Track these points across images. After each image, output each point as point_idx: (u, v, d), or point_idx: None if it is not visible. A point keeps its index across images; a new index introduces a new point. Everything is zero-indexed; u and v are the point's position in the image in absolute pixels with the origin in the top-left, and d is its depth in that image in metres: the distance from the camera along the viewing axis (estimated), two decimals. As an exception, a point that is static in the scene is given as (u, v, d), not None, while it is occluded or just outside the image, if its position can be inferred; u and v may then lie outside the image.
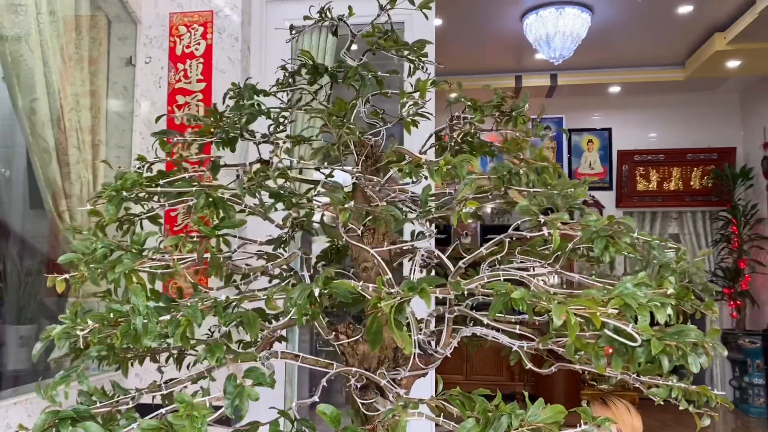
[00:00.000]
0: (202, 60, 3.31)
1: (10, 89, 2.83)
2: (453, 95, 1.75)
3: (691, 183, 8.20)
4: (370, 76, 1.67)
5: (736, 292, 7.66)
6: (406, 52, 1.78)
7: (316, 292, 1.16)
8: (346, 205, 1.44)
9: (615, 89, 8.15)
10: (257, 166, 1.64)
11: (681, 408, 1.32)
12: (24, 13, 2.79)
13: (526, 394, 1.27)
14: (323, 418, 1.14)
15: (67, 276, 1.37)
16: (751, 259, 7.63)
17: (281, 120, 1.75)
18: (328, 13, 1.80)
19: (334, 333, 1.53)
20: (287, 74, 1.86)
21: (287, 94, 1.91)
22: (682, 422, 6.71)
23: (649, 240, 1.25)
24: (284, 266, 1.69)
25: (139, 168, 1.61)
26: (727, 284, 7.76)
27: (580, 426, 1.08)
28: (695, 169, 8.18)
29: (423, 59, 1.78)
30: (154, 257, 1.34)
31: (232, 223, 1.46)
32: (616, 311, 1.05)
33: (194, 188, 1.45)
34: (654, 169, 8.26)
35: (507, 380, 7.63)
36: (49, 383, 1.20)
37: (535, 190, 1.37)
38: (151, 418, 1.10)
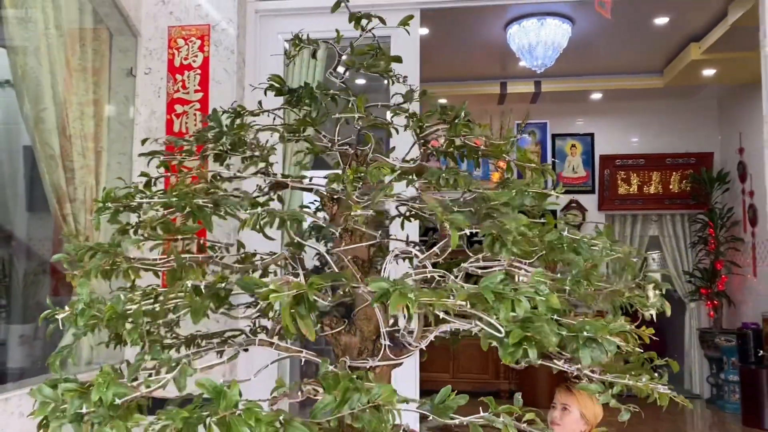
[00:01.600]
0: (199, 71, 3.50)
1: (20, 99, 3.01)
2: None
3: (671, 187, 8.47)
4: (320, 95, 1.79)
5: (713, 293, 7.92)
6: (390, 70, 1.94)
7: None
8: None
9: (597, 96, 8.40)
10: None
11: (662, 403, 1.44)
12: (33, 28, 2.97)
13: (517, 396, 1.37)
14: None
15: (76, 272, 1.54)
16: (727, 260, 7.89)
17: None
18: (303, 40, 1.92)
19: (320, 325, 1.69)
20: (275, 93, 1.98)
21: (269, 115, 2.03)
22: (661, 417, 6.96)
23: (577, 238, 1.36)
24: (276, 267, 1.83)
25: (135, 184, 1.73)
26: (704, 285, 8.02)
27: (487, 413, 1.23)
28: (674, 173, 8.45)
29: (399, 76, 1.93)
30: (118, 256, 1.50)
31: (190, 228, 1.59)
32: (464, 302, 1.13)
33: (173, 198, 1.57)
34: (635, 173, 8.53)
35: (492, 378, 7.85)
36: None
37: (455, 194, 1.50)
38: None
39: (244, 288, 1.24)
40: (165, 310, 1.38)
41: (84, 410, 1.15)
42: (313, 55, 1.93)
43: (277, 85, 1.88)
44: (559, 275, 1.40)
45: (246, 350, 1.58)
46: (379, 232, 1.83)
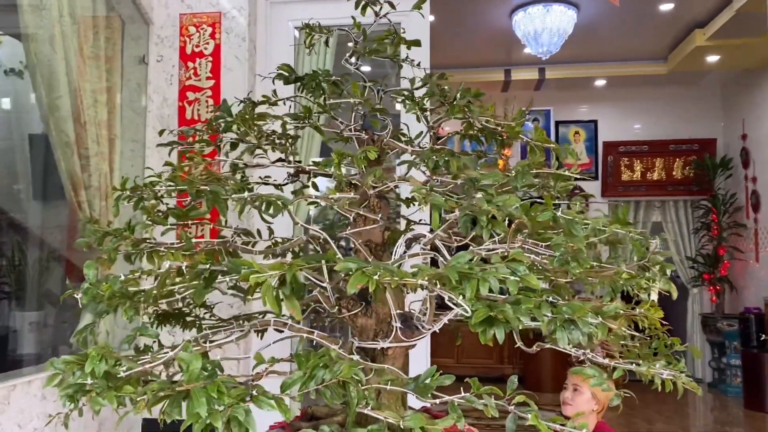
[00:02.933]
0: (210, 59, 3.52)
1: (35, 87, 3.04)
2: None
3: (674, 173, 8.50)
4: (323, 82, 1.81)
5: (715, 278, 7.98)
6: (404, 54, 1.96)
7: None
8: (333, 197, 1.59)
9: (601, 83, 8.41)
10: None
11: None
12: (48, 16, 3.00)
13: (512, 379, 1.35)
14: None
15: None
16: (729, 246, 7.94)
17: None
18: (314, 28, 1.94)
19: (338, 307, 1.72)
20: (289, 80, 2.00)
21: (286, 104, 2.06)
22: (665, 400, 7.04)
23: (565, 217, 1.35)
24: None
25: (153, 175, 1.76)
26: (707, 270, 8.08)
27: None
28: (677, 159, 8.48)
29: (413, 61, 1.95)
30: (127, 239, 1.55)
31: (199, 212, 1.63)
32: (426, 281, 1.17)
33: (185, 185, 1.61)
34: (638, 159, 8.55)
35: (496, 363, 7.93)
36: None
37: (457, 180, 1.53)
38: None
39: (231, 270, 1.27)
40: (162, 291, 1.43)
41: (89, 382, 1.20)
42: (325, 43, 1.94)
43: (285, 73, 1.92)
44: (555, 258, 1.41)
45: (259, 331, 1.62)
46: (394, 216, 1.87)
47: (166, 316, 1.56)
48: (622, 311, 1.40)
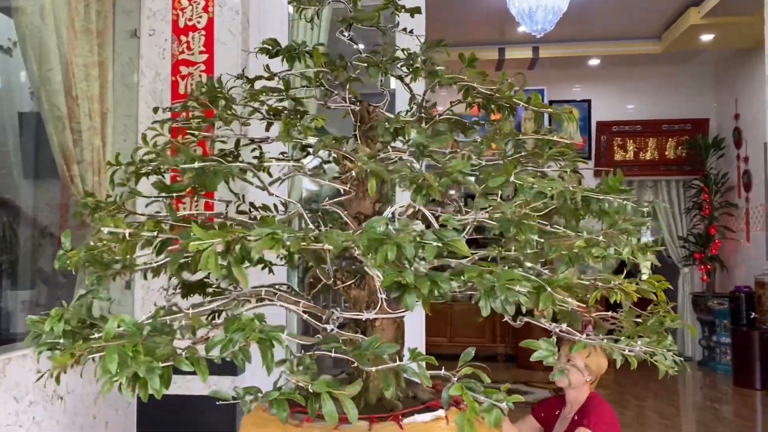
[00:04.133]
0: (204, 32, 3.48)
1: (26, 60, 2.99)
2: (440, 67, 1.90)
3: (666, 153, 8.53)
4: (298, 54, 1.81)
5: (706, 257, 8.04)
6: (397, 21, 1.95)
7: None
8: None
9: (594, 62, 8.39)
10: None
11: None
12: (38, -13, 2.94)
13: (469, 351, 1.39)
14: None
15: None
16: (721, 225, 8.00)
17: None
18: (304, 0, 1.92)
19: (332, 279, 1.73)
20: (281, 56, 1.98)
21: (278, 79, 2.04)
22: (655, 379, 7.11)
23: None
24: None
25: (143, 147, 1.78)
26: (698, 250, 8.14)
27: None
28: (670, 139, 8.50)
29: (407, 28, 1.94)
30: (119, 210, 1.62)
31: (181, 186, 1.65)
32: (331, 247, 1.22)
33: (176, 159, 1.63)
34: (631, 139, 8.57)
35: (489, 342, 7.98)
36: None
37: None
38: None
39: (181, 240, 1.28)
40: (130, 259, 1.49)
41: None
42: (317, 15, 1.93)
43: (269, 47, 1.91)
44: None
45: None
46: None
47: (190, 287, 1.57)
48: (574, 282, 1.38)
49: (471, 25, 7.16)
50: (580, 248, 1.36)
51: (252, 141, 1.90)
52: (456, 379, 1.32)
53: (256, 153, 1.82)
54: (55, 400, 2.73)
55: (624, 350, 1.44)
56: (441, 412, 1.55)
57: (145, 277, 1.66)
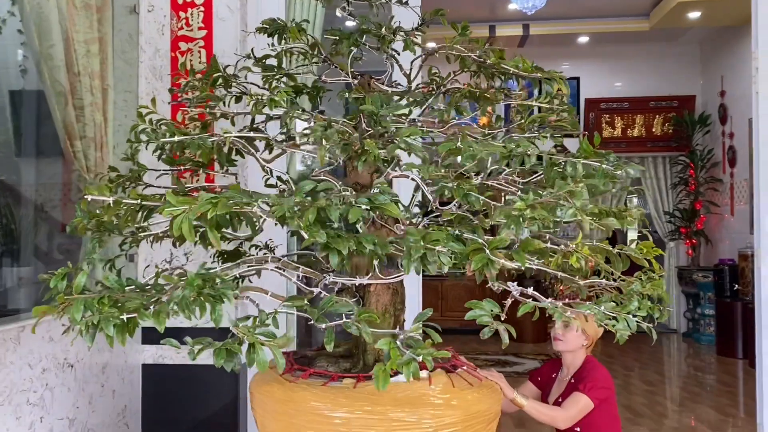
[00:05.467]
0: (202, 9, 3.52)
1: (28, 36, 3.03)
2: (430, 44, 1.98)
3: (653, 129, 8.66)
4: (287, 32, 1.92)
5: (691, 232, 8.23)
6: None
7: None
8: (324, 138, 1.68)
9: (584, 39, 8.47)
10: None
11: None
12: (38, -38, 2.97)
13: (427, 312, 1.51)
14: None
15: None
16: (706, 200, 8.17)
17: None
18: None
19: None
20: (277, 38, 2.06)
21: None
22: (642, 350, 7.33)
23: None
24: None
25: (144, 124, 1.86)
26: (684, 224, 8.32)
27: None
28: (657, 116, 8.63)
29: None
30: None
31: (181, 160, 1.82)
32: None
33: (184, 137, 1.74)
34: (619, 116, 8.69)
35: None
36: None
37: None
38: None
39: (160, 210, 1.39)
40: (125, 225, 1.63)
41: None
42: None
43: (266, 27, 2.00)
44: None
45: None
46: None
47: (229, 255, 1.68)
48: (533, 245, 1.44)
49: (462, 1, 7.20)
50: (519, 210, 1.41)
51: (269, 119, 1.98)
52: (402, 336, 1.44)
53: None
54: (66, 367, 2.81)
55: (584, 314, 1.50)
56: (424, 373, 1.63)
57: (152, 246, 1.78)
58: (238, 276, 1.66)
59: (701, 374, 6.68)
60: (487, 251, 1.36)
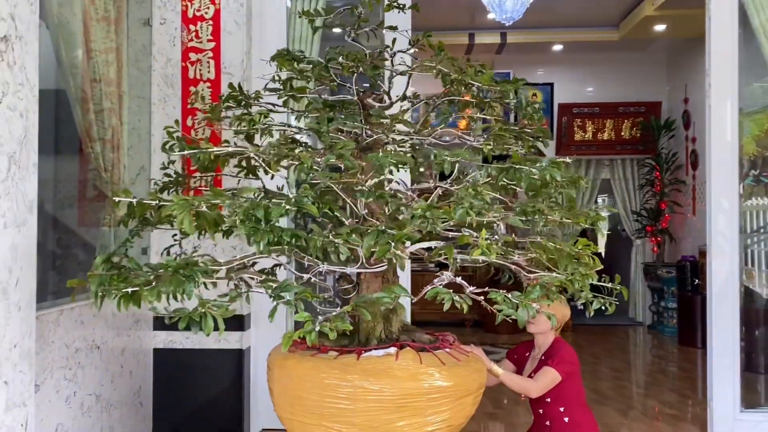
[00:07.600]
0: (211, 22, 3.84)
1: (57, 48, 3.32)
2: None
3: (622, 133, 9.15)
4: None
5: (657, 230, 8.72)
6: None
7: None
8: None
9: (558, 47, 8.92)
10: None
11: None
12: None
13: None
14: None
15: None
16: (670, 200, 8.67)
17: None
18: None
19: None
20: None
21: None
22: (610, 340, 7.79)
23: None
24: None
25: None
26: (649, 223, 8.81)
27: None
28: (626, 121, 9.12)
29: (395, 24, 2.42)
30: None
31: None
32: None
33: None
34: (590, 120, 9.16)
35: (457, 309, 8.51)
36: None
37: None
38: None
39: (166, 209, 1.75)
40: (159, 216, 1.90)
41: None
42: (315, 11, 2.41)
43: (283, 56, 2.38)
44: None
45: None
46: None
47: (276, 243, 2.01)
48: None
49: (443, 10, 7.57)
50: (422, 209, 1.83)
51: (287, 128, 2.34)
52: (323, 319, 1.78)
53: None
54: (93, 348, 3.12)
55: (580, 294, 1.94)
56: (392, 350, 2.00)
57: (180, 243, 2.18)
58: (239, 263, 2.00)
59: (664, 362, 7.16)
60: (392, 243, 1.75)
